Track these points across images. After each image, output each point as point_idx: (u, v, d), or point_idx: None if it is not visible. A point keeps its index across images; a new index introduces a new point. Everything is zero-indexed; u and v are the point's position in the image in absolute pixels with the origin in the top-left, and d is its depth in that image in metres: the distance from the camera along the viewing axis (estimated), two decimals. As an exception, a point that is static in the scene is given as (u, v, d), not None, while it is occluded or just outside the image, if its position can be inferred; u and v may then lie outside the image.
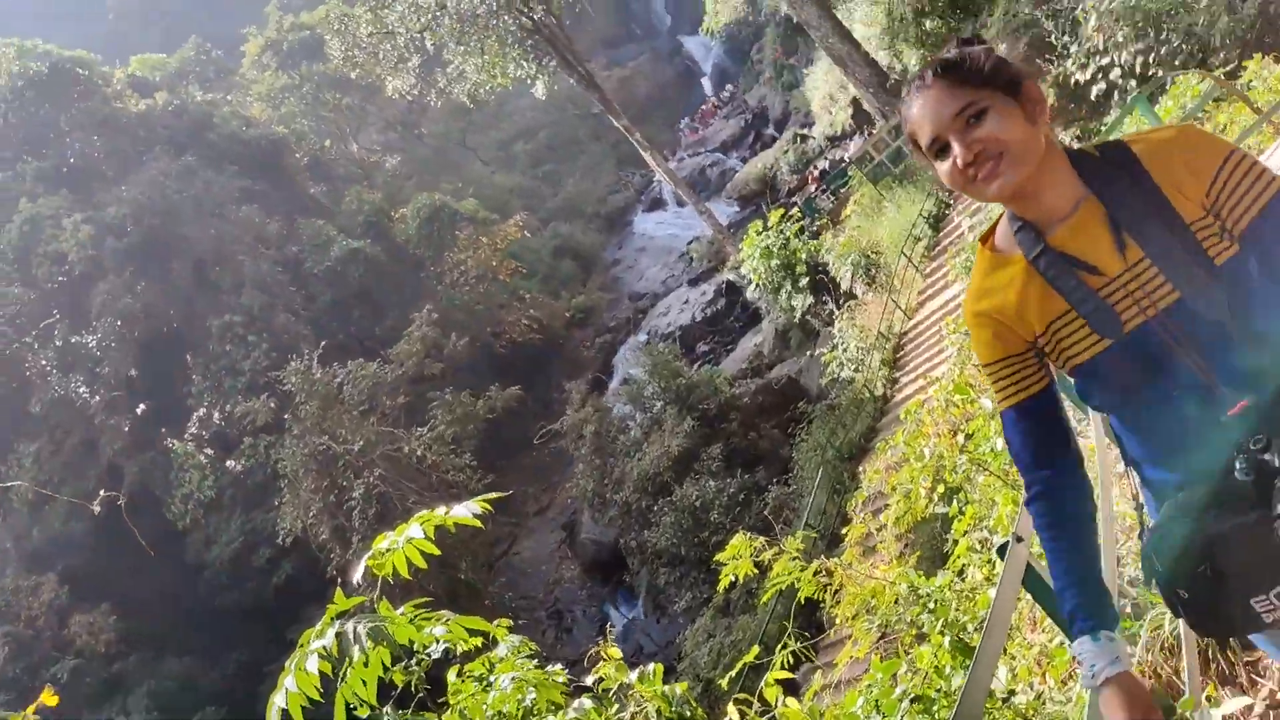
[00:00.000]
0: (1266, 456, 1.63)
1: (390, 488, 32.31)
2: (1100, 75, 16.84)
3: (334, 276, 45.12)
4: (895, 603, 5.28)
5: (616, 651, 4.50)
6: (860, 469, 22.82)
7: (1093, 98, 17.43)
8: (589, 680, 4.56)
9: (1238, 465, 1.66)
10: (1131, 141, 1.84)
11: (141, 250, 42.96)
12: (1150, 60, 15.45)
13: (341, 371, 35.48)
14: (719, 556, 6.42)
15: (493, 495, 3.62)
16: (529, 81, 44.61)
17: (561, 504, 41.85)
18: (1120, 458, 2.06)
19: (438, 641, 3.44)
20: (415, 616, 3.34)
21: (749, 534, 6.70)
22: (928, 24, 22.92)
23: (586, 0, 55.68)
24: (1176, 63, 14.82)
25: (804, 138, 50.08)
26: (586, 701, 3.78)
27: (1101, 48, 16.43)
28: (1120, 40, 15.97)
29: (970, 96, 1.83)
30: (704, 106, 68.20)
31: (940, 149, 1.89)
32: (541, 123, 70.71)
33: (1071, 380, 2.00)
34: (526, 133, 71.11)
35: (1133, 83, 15.70)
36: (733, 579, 6.54)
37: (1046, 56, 18.79)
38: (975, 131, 1.82)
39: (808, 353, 33.72)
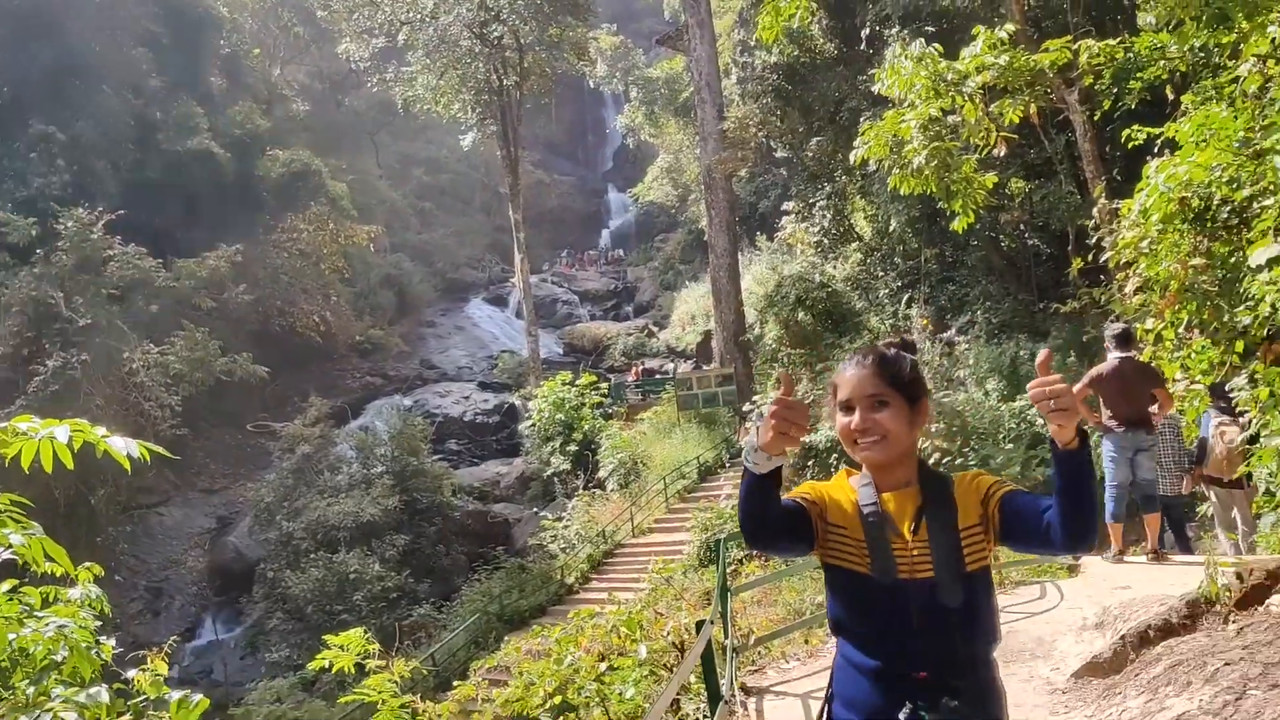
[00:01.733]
0: (924, 715, 2.27)
1: (85, 379, 29.82)
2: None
3: (176, 164, 42.71)
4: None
5: (164, 667, 4.19)
6: (509, 637, 22.58)
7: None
8: (130, 674, 4.24)
9: (904, 710, 2.29)
10: (955, 478, 2.55)
11: (20, 13, 39.80)
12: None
13: (120, 248, 33.11)
14: (331, 638, 6.16)
15: (160, 451, 3.44)
16: (463, 128, 44.83)
17: (233, 497, 39.55)
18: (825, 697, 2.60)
19: (8, 547, 3.18)
20: (4, 511, 3.09)
21: (369, 634, 6.50)
22: (801, 315, 24.30)
23: (555, 102, 56.94)
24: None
25: (652, 333, 51.62)
26: (104, 695, 3.45)
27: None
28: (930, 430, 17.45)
29: (884, 390, 2.47)
30: (591, 252, 69.74)
31: (846, 407, 2.51)
32: (449, 166, 70.63)
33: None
34: (431, 165, 70.75)
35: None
36: (328, 665, 6.30)
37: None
38: (874, 414, 2.46)
39: (536, 509, 33.70)
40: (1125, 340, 8.75)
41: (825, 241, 27.81)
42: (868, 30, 24.57)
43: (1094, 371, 8.76)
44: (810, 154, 26.66)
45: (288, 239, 45.10)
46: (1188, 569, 7.30)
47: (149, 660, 4.21)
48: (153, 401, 32.29)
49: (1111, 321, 11.70)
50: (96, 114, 40.73)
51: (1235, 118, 9.14)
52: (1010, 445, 16.31)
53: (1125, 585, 6.83)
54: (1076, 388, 8.73)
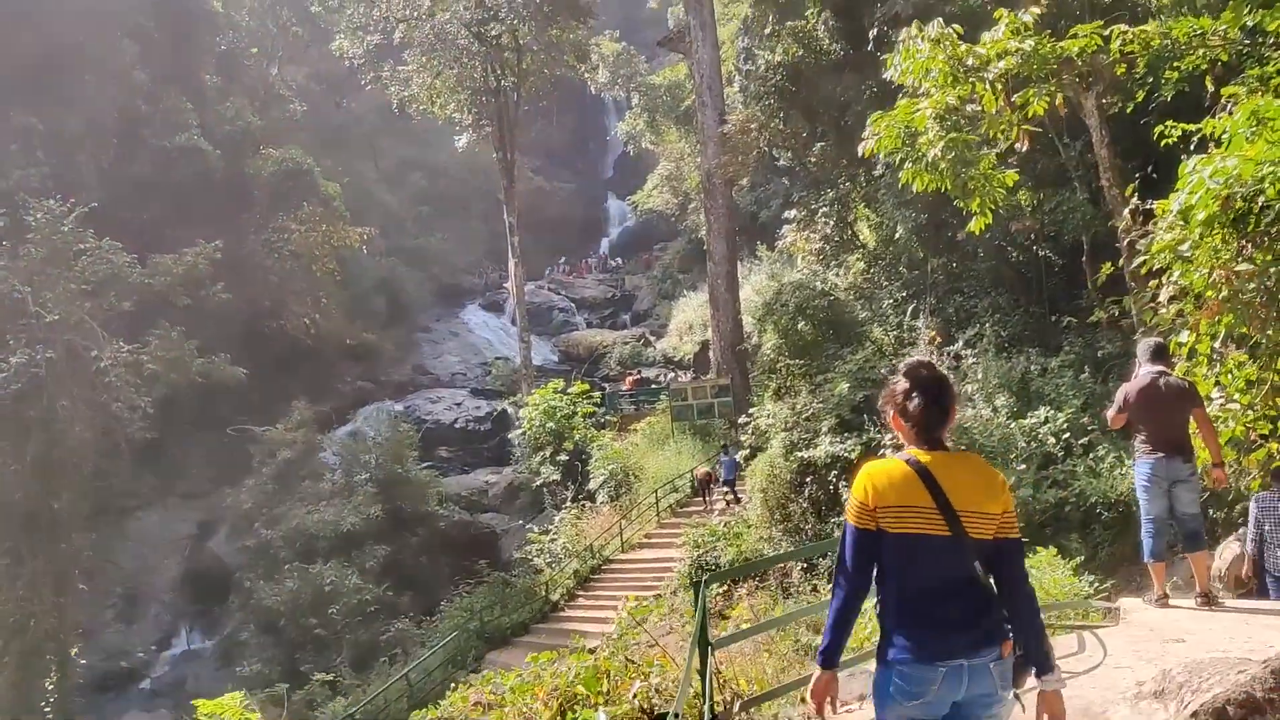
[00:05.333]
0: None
1: (51, 377, 28.47)
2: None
3: (163, 160, 41.66)
4: None
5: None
6: (491, 655, 21.63)
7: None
8: None
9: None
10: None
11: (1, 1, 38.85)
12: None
13: (92, 242, 31.74)
14: (202, 704, 5.15)
15: None
16: (457, 130, 43.90)
17: (215, 503, 38.30)
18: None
19: None
20: None
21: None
22: (801, 324, 23.26)
23: (557, 109, 55.98)
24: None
25: (648, 342, 50.61)
26: None
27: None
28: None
29: None
30: (589, 259, 68.71)
31: None
32: (447, 171, 69.46)
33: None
34: (429, 169, 69.65)
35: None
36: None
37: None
38: None
39: (524, 520, 32.67)
40: (1159, 354, 7.66)
41: (827, 249, 26.83)
42: (875, 31, 23.58)
43: (1123, 390, 7.63)
44: (813, 159, 25.73)
45: (278, 239, 44.01)
46: (1250, 618, 6.24)
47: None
48: (123, 403, 30.97)
49: (1141, 334, 10.70)
50: (80, 106, 39.64)
51: (1291, 108, 8.14)
52: (1022, 466, 15.28)
53: (1178, 638, 5.79)
54: (1111, 415, 7.67)
